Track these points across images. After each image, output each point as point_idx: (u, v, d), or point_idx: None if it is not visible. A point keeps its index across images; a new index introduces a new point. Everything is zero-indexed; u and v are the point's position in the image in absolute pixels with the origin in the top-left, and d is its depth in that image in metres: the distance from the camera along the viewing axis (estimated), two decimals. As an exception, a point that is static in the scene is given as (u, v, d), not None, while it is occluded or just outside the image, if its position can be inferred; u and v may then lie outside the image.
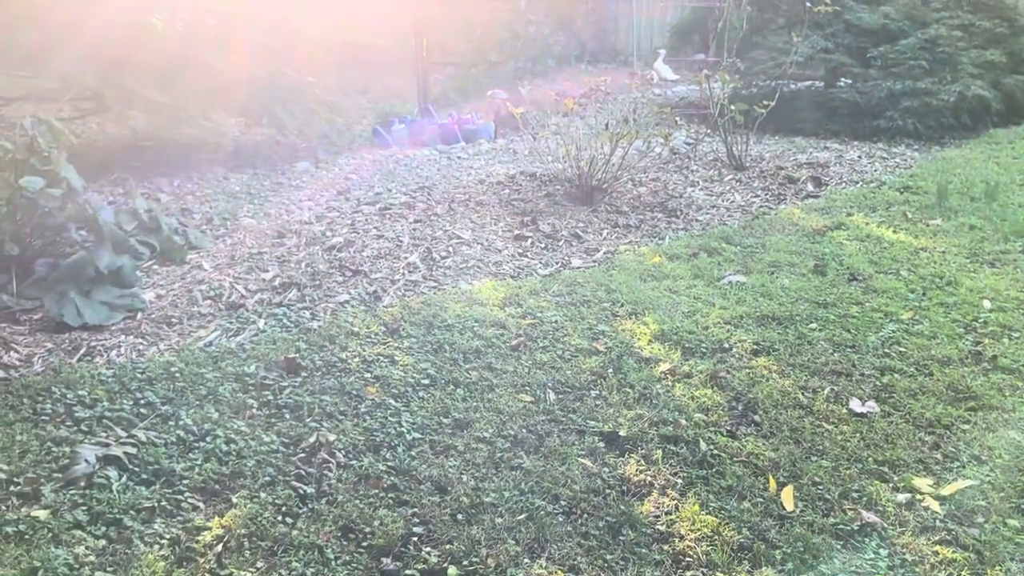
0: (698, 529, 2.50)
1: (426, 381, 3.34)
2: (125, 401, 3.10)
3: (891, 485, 2.72)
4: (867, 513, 2.56)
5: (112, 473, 2.66)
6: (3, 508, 2.49)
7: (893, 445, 2.93)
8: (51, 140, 4.26)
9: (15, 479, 2.62)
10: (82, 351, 3.57)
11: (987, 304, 4.10)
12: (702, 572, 2.34)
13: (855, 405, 3.19)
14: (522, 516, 2.54)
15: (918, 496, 2.65)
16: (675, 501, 2.63)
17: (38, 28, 6.31)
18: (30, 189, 3.99)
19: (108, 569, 2.29)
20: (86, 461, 2.68)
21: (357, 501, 2.59)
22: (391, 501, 2.61)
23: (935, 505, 2.61)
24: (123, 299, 3.97)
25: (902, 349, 3.65)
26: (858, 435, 2.99)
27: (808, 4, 7.48)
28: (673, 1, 13.79)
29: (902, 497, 2.65)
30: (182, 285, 4.32)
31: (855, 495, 2.66)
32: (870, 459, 2.85)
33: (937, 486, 2.71)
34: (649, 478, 2.74)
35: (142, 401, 3.11)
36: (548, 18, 12.91)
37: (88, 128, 8.02)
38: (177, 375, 3.30)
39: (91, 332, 3.75)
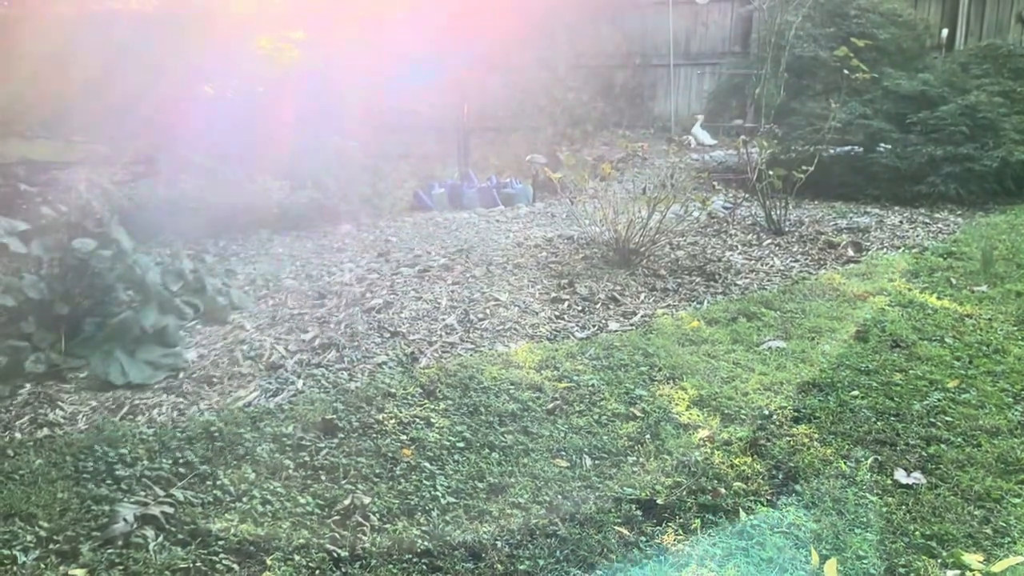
0: (738, 603, 2.43)
1: (461, 444, 3.33)
2: (164, 460, 3.14)
3: (939, 560, 2.63)
4: (915, 590, 2.48)
5: (149, 532, 2.68)
6: (42, 566, 2.51)
7: (941, 518, 2.84)
8: (104, 203, 4.42)
9: (55, 537, 2.66)
10: (125, 409, 3.63)
11: (1036, 373, 4.00)
12: (742, 648, 2.28)
13: (900, 476, 3.11)
14: (557, 585, 2.50)
15: (968, 572, 2.56)
16: (714, 573, 2.57)
17: (95, 96, 6.60)
18: (82, 251, 4.12)
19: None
20: (124, 520, 2.71)
21: (391, 566, 2.57)
22: (425, 567, 2.59)
23: (986, 583, 2.52)
24: (166, 358, 4.05)
25: (948, 418, 3.56)
26: (904, 507, 2.90)
27: (846, 72, 7.53)
28: (711, 68, 13.98)
29: (951, 573, 2.56)
30: (224, 345, 4.39)
31: (902, 570, 2.58)
32: (917, 533, 2.76)
33: (988, 562, 2.61)
34: (687, 548, 2.68)
35: (181, 460, 3.15)
36: (587, 85, 13.13)
37: (139, 191, 8.28)
38: (216, 435, 3.34)
39: (134, 391, 3.82)
